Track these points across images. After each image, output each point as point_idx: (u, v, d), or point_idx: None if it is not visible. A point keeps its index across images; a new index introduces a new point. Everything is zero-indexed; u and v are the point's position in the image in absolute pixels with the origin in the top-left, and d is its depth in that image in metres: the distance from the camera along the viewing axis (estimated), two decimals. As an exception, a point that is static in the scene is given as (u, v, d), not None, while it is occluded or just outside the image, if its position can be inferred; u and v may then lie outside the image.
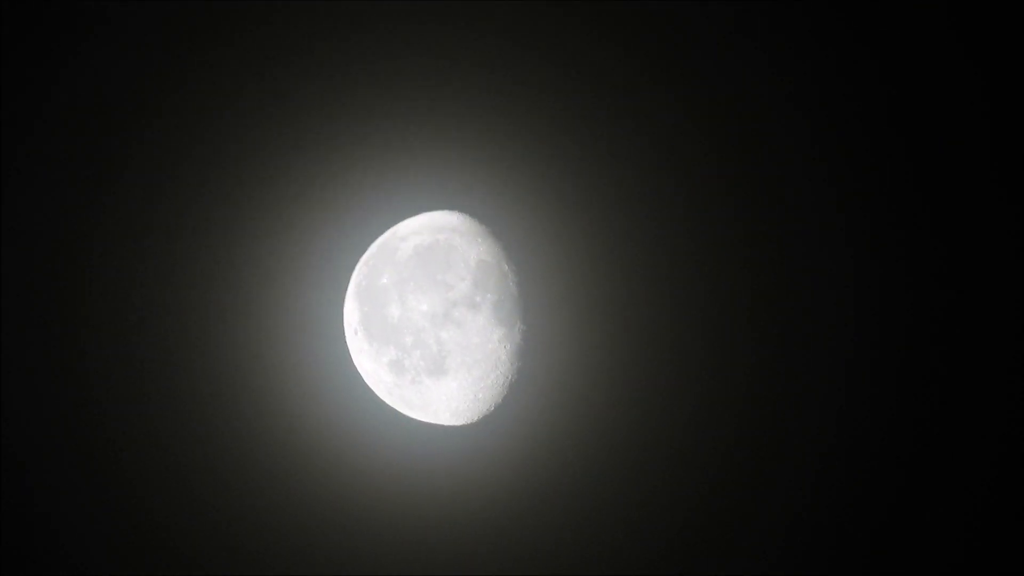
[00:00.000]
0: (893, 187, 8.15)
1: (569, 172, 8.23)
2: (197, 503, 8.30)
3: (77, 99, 8.30)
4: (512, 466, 8.31)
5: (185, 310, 8.28)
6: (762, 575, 8.27)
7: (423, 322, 7.70)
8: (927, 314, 8.15)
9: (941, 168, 8.16)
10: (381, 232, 8.17)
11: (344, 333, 8.12)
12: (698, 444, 8.29)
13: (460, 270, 7.77)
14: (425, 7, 8.20)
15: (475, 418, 8.00)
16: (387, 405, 8.08)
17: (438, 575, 8.36)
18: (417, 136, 8.28)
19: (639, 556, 8.32)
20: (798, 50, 8.16)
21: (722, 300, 8.26)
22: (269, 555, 8.33)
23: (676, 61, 8.23)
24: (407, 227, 8.11)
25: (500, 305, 7.81)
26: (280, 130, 8.28)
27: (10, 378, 8.26)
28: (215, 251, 8.31)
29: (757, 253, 8.24)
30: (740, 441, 8.28)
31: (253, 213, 8.32)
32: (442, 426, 8.11)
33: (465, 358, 7.75)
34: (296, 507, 8.34)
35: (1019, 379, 8.10)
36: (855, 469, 8.22)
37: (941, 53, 8.14)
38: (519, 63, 8.23)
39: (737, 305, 8.25)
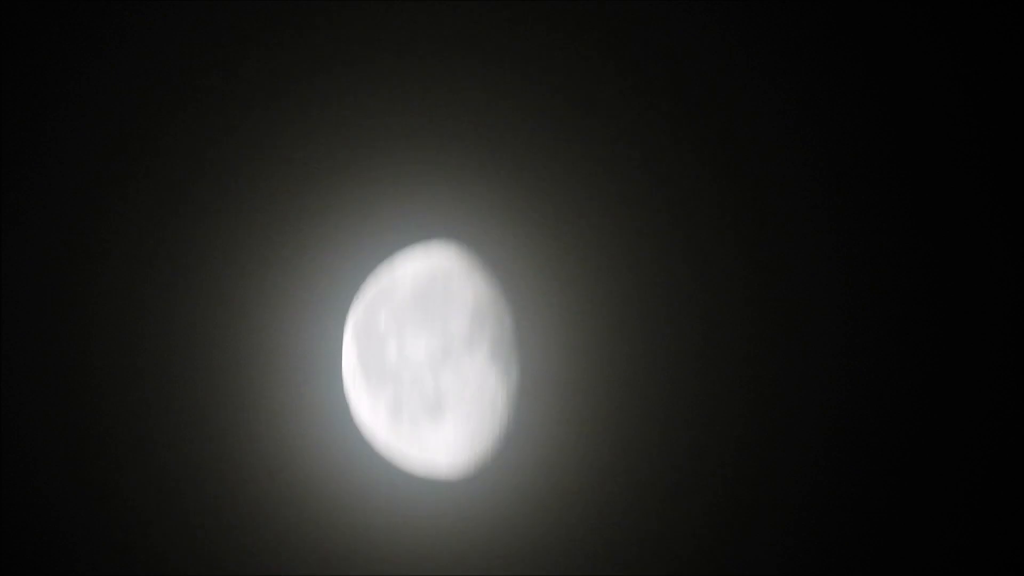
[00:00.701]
0: (891, 202, 8.21)
1: (572, 212, 8.30)
2: (190, 546, 8.25)
3: (70, 137, 8.41)
4: (509, 510, 8.25)
5: (182, 349, 8.31)
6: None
7: (420, 363, 7.77)
8: (925, 344, 8.16)
9: (940, 186, 8.24)
10: (378, 270, 8.20)
11: (340, 375, 8.15)
12: (703, 491, 8.24)
13: (458, 310, 7.85)
14: (424, 52, 8.34)
15: (472, 461, 8.03)
16: (383, 448, 8.10)
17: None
18: (416, 171, 8.36)
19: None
20: (795, 66, 8.27)
21: (727, 343, 8.27)
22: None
23: (683, 100, 8.32)
24: (405, 266, 8.15)
25: (498, 346, 7.87)
26: (276, 169, 8.37)
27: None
28: (209, 291, 8.34)
29: (762, 294, 8.27)
30: (745, 483, 8.23)
31: (248, 252, 8.37)
32: (439, 469, 8.10)
33: (462, 399, 7.81)
34: (290, 553, 8.27)
35: (1017, 387, 8.13)
36: (860, 522, 8.17)
37: (937, 71, 8.25)
38: (523, 97, 8.32)
39: (742, 350, 8.26)
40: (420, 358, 7.82)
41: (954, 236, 8.27)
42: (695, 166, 8.35)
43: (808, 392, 8.32)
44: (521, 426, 8.05)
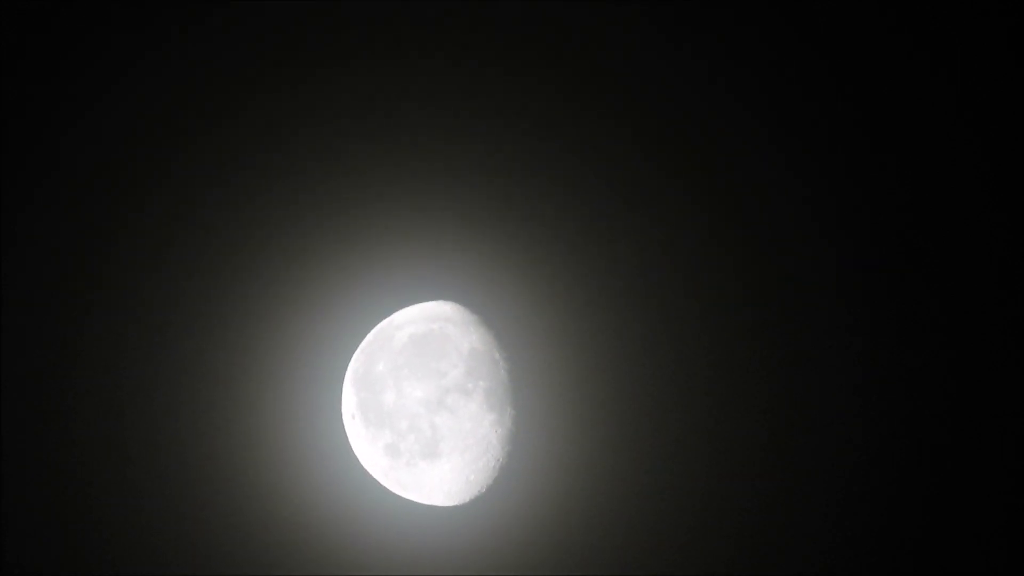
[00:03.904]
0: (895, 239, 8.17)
1: (560, 265, 8.34)
2: None
3: (68, 188, 8.38)
4: (503, 545, 8.35)
5: (190, 395, 8.36)
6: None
7: (417, 408, 7.81)
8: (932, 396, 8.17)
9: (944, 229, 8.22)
10: (377, 321, 8.29)
11: (342, 418, 8.23)
12: (684, 525, 8.35)
13: (453, 358, 7.89)
14: (425, 128, 8.37)
15: (467, 499, 8.09)
16: (383, 487, 8.16)
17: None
18: (413, 230, 8.40)
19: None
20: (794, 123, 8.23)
21: (707, 390, 8.35)
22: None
23: (674, 149, 8.31)
24: (402, 316, 8.23)
25: (492, 391, 7.92)
26: (283, 224, 8.42)
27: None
28: (217, 338, 8.40)
29: (759, 348, 8.29)
30: (727, 516, 8.34)
31: (255, 302, 8.42)
32: (435, 507, 8.19)
33: (458, 442, 7.85)
34: None
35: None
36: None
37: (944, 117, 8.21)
38: (509, 160, 8.37)
39: (718, 404, 8.32)
40: (417, 403, 7.88)
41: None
42: (673, 227, 8.33)
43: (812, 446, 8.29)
44: (514, 464, 8.08)
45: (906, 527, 8.17)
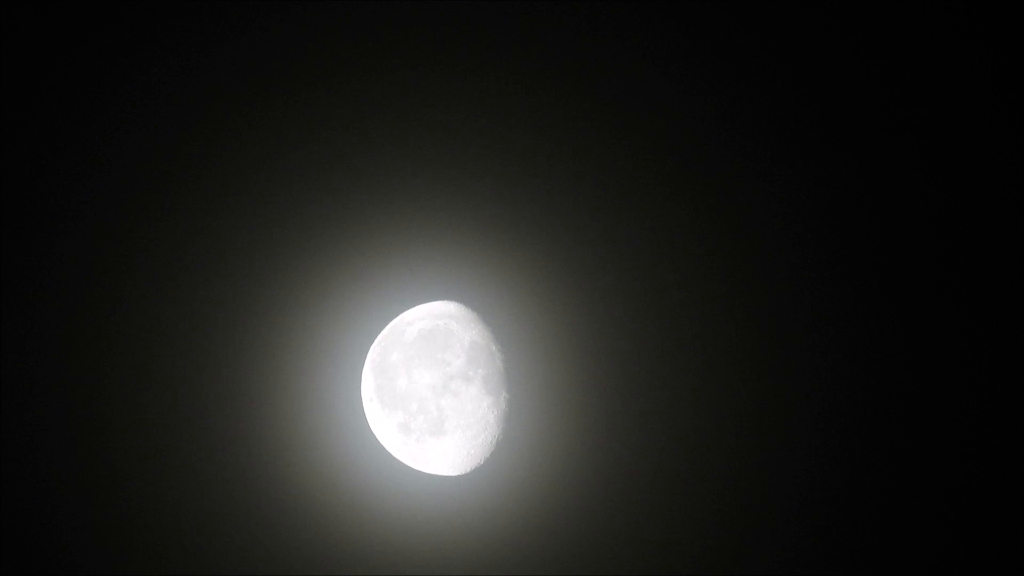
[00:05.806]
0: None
1: (549, 270, 8.60)
2: (230, 547, 8.66)
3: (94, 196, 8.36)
4: (499, 510, 8.70)
5: (226, 388, 8.67)
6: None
7: (426, 392, 8.22)
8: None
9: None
10: (391, 318, 8.65)
11: (362, 400, 8.64)
12: (656, 500, 8.62)
13: (456, 349, 8.27)
14: (430, 135, 8.51)
15: (468, 470, 8.49)
16: (396, 459, 8.55)
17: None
18: (422, 241, 8.69)
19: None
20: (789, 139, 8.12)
21: (686, 386, 8.49)
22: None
23: (666, 156, 8.34)
24: (412, 314, 8.61)
25: (489, 378, 8.32)
26: (312, 236, 8.67)
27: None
28: (254, 334, 8.70)
29: (740, 342, 8.31)
30: (707, 488, 8.51)
31: (285, 302, 8.71)
32: (441, 476, 8.60)
33: (460, 421, 8.24)
34: (318, 547, 8.72)
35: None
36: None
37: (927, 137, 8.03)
38: (507, 178, 8.61)
39: (693, 397, 8.46)
40: (425, 388, 8.26)
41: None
42: (660, 231, 8.46)
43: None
44: (508, 440, 8.49)
45: (894, 524, 8.14)
